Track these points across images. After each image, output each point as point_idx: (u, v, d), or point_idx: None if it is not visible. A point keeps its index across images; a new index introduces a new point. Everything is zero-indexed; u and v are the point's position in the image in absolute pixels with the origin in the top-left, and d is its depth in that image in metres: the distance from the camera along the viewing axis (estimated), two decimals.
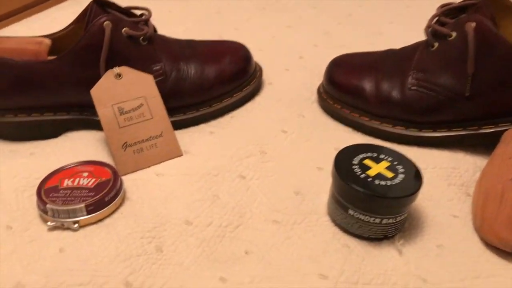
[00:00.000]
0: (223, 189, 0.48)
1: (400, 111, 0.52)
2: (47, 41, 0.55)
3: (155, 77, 0.54)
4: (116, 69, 0.51)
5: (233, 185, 0.48)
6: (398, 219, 0.41)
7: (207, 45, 0.60)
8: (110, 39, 0.50)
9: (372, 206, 0.40)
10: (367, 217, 0.40)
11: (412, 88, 0.51)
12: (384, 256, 0.41)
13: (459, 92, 0.49)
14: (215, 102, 0.58)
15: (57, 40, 0.57)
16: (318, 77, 0.66)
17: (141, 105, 0.52)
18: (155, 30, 0.58)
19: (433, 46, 0.51)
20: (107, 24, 0.50)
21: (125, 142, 0.50)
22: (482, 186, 0.44)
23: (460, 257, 0.40)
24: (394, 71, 0.53)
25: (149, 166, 0.51)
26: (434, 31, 0.51)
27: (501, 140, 0.47)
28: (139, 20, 0.55)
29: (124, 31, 0.52)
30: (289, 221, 0.44)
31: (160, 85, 0.54)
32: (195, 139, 0.54)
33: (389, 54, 0.56)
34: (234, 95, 0.59)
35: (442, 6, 0.53)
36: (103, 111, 0.50)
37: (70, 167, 0.47)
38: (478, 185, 0.45)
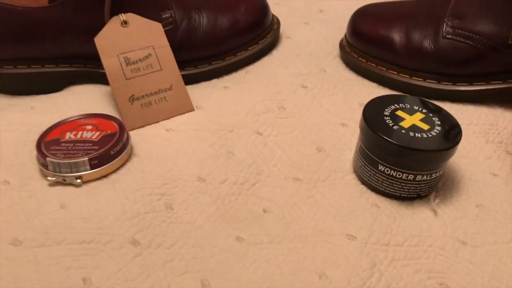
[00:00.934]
0: (238, 145, 0.44)
1: (432, 62, 0.47)
2: None
3: (164, 26, 0.50)
4: (122, 16, 0.47)
5: (249, 141, 0.44)
6: (434, 176, 0.37)
7: None
8: None
9: (406, 161, 0.35)
10: (399, 173, 0.36)
11: (447, 36, 0.46)
12: (417, 217, 0.37)
13: (500, 40, 0.44)
14: (229, 55, 0.53)
15: None
16: (340, 31, 0.61)
17: (149, 55, 0.48)
18: None
19: None
20: None
21: (132, 95, 0.46)
22: None
23: (503, 218, 0.36)
24: (427, 19, 0.48)
25: (158, 121, 0.47)
26: None
27: None
28: None
29: None
30: (312, 178, 0.40)
31: (170, 35, 0.50)
32: (207, 94, 0.50)
33: (422, 1, 0.51)
34: (250, 48, 0.55)
35: None
36: (108, 62, 0.46)
37: (73, 119, 0.43)
38: None
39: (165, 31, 0.50)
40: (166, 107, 0.47)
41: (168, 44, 0.48)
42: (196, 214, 0.37)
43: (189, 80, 0.52)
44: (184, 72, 0.51)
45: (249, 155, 0.43)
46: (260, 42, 0.55)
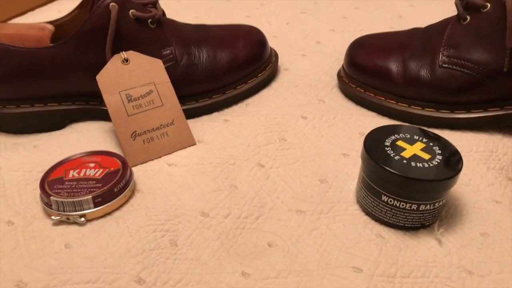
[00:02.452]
0: (241, 178, 0.44)
1: (430, 91, 0.48)
2: (50, 27, 0.52)
3: (165, 62, 0.51)
4: (123, 54, 0.48)
5: (251, 174, 0.44)
6: (437, 205, 0.37)
7: (220, 29, 0.57)
8: (116, 22, 0.47)
9: (408, 191, 0.36)
10: (402, 203, 0.36)
11: (444, 65, 0.47)
12: (423, 246, 0.37)
13: (496, 68, 0.45)
14: (229, 89, 0.54)
15: (61, 26, 0.53)
16: (337, 62, 0.62)
17: (151, 91, 0.48)
18: (163, 14, 0.55)
19: (465, 20, 0.47)
20: (113, 5, 0.47)
21: (134, 131, 0.47)
22: None
23: (508, 245, 0.36)
24: (423, 48, 0.49)
25: (160, 156, 0.47)
26: (466, 3, 0.47)
27: None
28: (147, 2, 0.51)
29: (131, 13, 0.49)
30: (315, 210, 0.40)
31: (171, 70, 0.51)
32: (209, 128, 0.51)
33: (415, 32, 0.52)
34: (249, 81, 0.56)
35: None
36: (110, 99, 0.47)
37: (76, 157, 0.44)
38: None
39: (166, 67, 0.50)
40: (168, 142, 0.48)
41: (169, 80, 0.49)
42: (201, 250, 0.37)
43: (191, 114, 0.53)
44: (185, 107, 0.52)
45: (252, 187, 0.43)
46: (259, 75, 0.56)
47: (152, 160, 0.47)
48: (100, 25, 0.47)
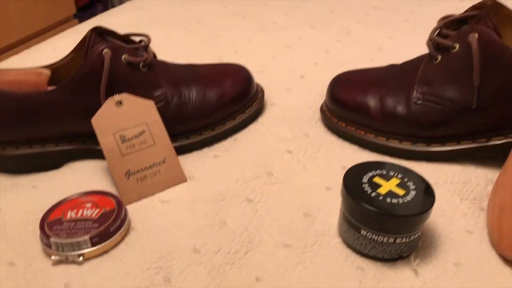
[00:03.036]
0: (231, 214, 0.46)
1: (406, 126, 0.51)
2: (47, 72, 0.55)
3: (156, 103, 0.53)
4: (117, 97, 0.51)
5: (240, 209, 0.47)
6: (412, 237, 0.40)
7: (208, 68, 0.60)
8: (109, 67, 0.50)
9: (385, 225, 0.38)
10: (380, 237, 0.39)
11: (418, 102, 0.50)
12: (400, 277, 0.39)
13: (466, 105, 0.48)
14: (218, 125, 0.57)
15: (56, 70, 0.56)
16: (320, 96, 0.65)
17: (143, 131, 0.51)
18: (154, 56, 0.58)
19: (436, 59, 0.50)
20: (106, 52, 0.50)
21: (128, 170, 0.49)
22: (496, 199, 0.42)
23: (479, 275, 0.39)
24: (398, 85, 0.53)
25: (153, 194, 0.50)
26: (437, 44, 0.51)
27: None
28: (138, 47, 0.54)
29: (124, 58, 0.52)
30: (300, 244, 0.43)
31: (162, 111, 0.54)
32: (199, 164, 0.53)
33: (392, 69, 0.56)
34: (237, 117, 0.58)
35: (443, 18, 0.52)
36: (105, 140, 0.49)
37: (73, 198, 0.46)
38: (492, 199, 0.44)
39: (158, 108, 0.53)
40: (160, 180, 0.50)
41: (160, 119, 0.52)
42: (193, 286, 0.39)
43: (182, 150, 0.55)
44: (176, 144, 0.55)
45: (241, 223, 0.45)
46: (246, 111, 0.59)
47: (145, 197, 0.49)
48: (94, 70, 0.50)
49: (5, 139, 0.52)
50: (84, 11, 2.26)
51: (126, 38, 0.55)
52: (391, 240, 0.39)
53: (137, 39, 0.57)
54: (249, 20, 0.93)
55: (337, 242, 0.43)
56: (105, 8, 2.38)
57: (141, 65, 0.53)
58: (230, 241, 0.43)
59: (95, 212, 0.44)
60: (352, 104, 0.55)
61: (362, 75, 0.57)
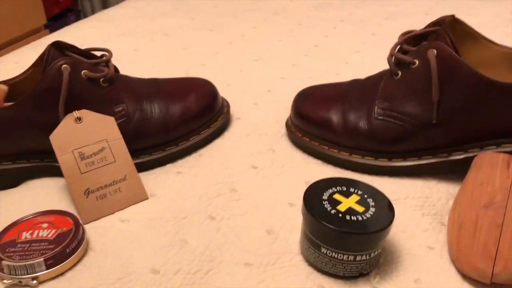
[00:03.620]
0: (192, 232, 0.46)
1: (368, 141, 0.51)
2: (3, 87, 0.53)
3: (117, 119, 0.52)
4: (76, 113, 0.49)
5: (202, 227, 0.46)
6: (373, 254, 0.39)
7: (172, 82, 0.59)
8: (68, 82, 0.49)
9: (345, 243, 0.38)
10: (340, 254, 0.39)
11: (379, 117, 0.51)
12: None
13: (426, 120, 0.49)
14: (182, 141, 0.56)
15: (15, 85, 0.55)
16: (287, 110, 0.65)
17: (103, 148, 0.50)
18: (116, 71, 0.57)
19: (397, 75, 0.51)
20: (65, 67, 0.49)
21: (88, 189, 0.48)
22: (455, 215, 0.43)
23: None
24: (360, 101, 0.53)
25: (113, 212, 0.48)
26: (397, 60, 0.51)
27: (471, 166, 0.47)
28: (99, 62, 0.53)
29: (84, 73, 0.51)
30: (262, 262, 0.42)
31: (123, 126, 0.53)
32: (162, 181, 0.53)
33: (355, 84, 0.56)
34: (202, 132, 0.58)
35: (404, 34, 0.53)
36: (63, 158, 0.48)
37: (29, 218, 0.45)
38: (452, 214, 0.44)
39: (119, 124, 0.52)
40: (120, 197, 0.49)
41: (121, 136, 0.51)
42: None
43: (144, 167, 0.54)
44: (138, 160, 0.54)
45: (202, 241, 0.45)
46: (211, 125, 0.59)
47: (105, 216, 0.48)
48: (53, 86, 0.49)
49: None
50: (55, 21, 2.22)
51: (86, 53, 0.54)
52: (351, 257, 0.39)
53: (98, 54, 0.56)
54: (217, 32, 0.93)
55: (298, 260, 0.42)
56: (77, 18, 2.35)
57: (101, 80, 0.52)
58: (190, 261, 0.42)
59: (52, 233, 0.43)
60: (316, 119, 0.55)
61: (326, 90, 0.57)
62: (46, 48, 0.51)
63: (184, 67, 0.79)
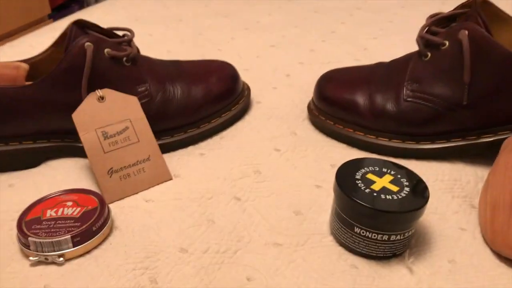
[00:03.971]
0: (218, 212, 0.45)
1: (396, 124, 0.50)
2: (25, 66, 0.52)
3: (140, 99, 0.52)
4: (99, 92, 0.49)
5: (228, 207, 0.45)
6: (407, 235, 0.39)
7: (193, 64, 0.58)
8: (92, 61, 0.48)
9: (379, 222, 0.37)
10: (374, 234, 0.38)
11: (408, 99, 0.50)
12: (394, 275, 0.38)
13: (456, 102, 0.48)
14: (203, 123, 0.56)
15: (35, 64, 0.54)
16: (306, 94, 0.65)
17: (126, 128, 0.49)
18: (138, 51, 0.56)
19: (426, 56, 0.50)
20: (88, 45, 0.48)
21: (111, 168, 0.47)
22: (488, 197, 0.42)
23: (474, 272, 0.38)
24: (388, 83, 0.52)
25: (137, 192, 0.48)
26: (426, 41, 0.50)
27: (502, 148, 0.46)
28: (121, 41, 0.52)
29: (107, 52, 0.50)
30: (292, 243, 0.41)
31: (146, 107, 0.52)
32: (185, 162, 0.52)
33: (380, 66, 0.55)
34: (223, 115, 0.57)
35: (432, 16, 0.52)
36: (86, 137, 0.47)
37: (53, 196, 0.44)
38: (483, 196, 0.43)
39: (142, 104, 0.51)
40: (144, 178, 0.48)
41: (144, 116, 0.50)
42: (181, 286, 0.37)
43: (166, 149, 0.53)
44: (160, 142, 0.53)
45: (229, 221, 0.44)
46: (232, 108, 0.58)
47: (129, 196, 0.47)
48: (76, 64, 0.48)
49: None
50: (59, 11, 2.21)
51: (108, 32, 0.53)
52: (385, 237, 0.38)
53: (120, 33, 0.55)
54: (232, 19, 0.92)
55: (329, 240, 0.42)
56: (81, 8, 2.34)
57: (124, 59, 0.51)
58: (218, 240, 0.42)
59: (77, 211, 0.42)
60: (341, 102, 0.54)
61: (350, 73, 0.56)
62: (68, 26, 0.50)
63: (200, 52, 0.78)
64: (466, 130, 0.49)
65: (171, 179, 0.49)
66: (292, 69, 0.72)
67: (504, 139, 0.48)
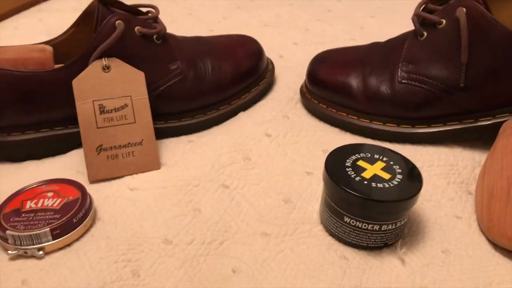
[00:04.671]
0: (205, 201, 0.43)
1: (390, 107, 0.48)
2: (49, 48, 0.49)
3: (173, 77, 0.50)
4: (105, 60, 0.46)
5: (215, 196, 0.44)
6: (399, 224, 0.37)
7: (218, 40, 0.57)
8: (122, 38, 0.45)
9: (370, 212, 0.36)
10: (364, 224, 0.37)
11: (403, 81, 0.48)
12: (386, 267, 0.37)
13: (453, 84, 0.46)
14: (234, 99, 0.55)
15: (56, 46, 0.51)
16: (300, 76, 0.62)
17: (125, 105, 0.47)
18: None
19: (422, 36, 0.48)
20: (119, 23, 0.45)
21: (100, 145, 0.46)
22: (485, 183, 0.40)
23: (468, 262, 0.37)
24: (382, 64, 0.50)
25: (122, 175, 0.46)
26: (422, 20, 0.48)
27: (500, 132, 0.44)
28: (148, 18, 0.50)
29: (137, 29, 0.47)
30: (280, 232, 0.40)
31: (180, 85, 0.50)
32: (172, 149, 0.50)
33: (375, 47, 0.53)
34: (252, 90, 0.56)
35: None
36: (82, 107, 0.45)
37: (33, 187, 0.42)
38: (480, 183, 0.41)
39: (174, 82, 0.50)
40: (132, 162, 0.47)
41: (147, 96, 0.47)
42: (164, 279, 0.36)
43: (201, 127, 0.53)
44: (195, 120, 0.52)
45: (216, 211, 0.42)
46: (260, 83, 0.58)
47: (113, 177, 0.46)
48: None
49: (11, 123, 0.47)
50: None
51: (133, 9, 0.50)
52: (376, 227, 0.37)
53: (144, 10, 0.52)
54: None
55: (319, 230, 0.40)
56: None
57: (155, 37, 0.49)
58: (204, 231, 0.40)
59: (57, 202, 0.40)
60: (334, 84, 0.52)
61: (344, 54, 0.54)
62: (94, 5, 0.47)
63: (192, 33, 0.76)
64: (464, 113, 0.47)
65: (159, 168, 0.48)
66: (286, 50, 0.69)
67: (503, 122, 0.46)
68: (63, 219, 0.39)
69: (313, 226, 0.40)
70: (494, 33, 0.43)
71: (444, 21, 0.46)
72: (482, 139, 0.49)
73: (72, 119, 0.48)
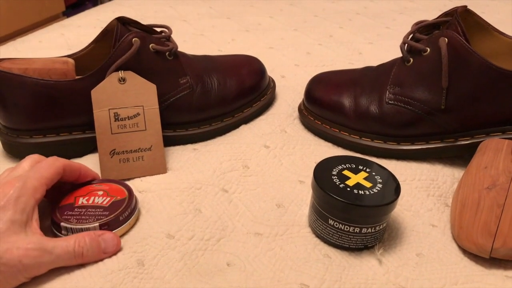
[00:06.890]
0: (206, 202, 0.48)
1: (378, 125, 0.53)
2: (71, 61, 0.54)
3: (182, 90, 0.55)
4: (121, 73, 0.51)
5: (215, 198, 0.48)
6: (378, 228, 0.41)
7: (224, 59, 0.62)
8: (138, 54, 0.51)
9: (351, 215, 0.40)
10: (346, 226, 0.41)
11: (390, 102, 0.53)
12: (364, 266, 0.41)
13: (435, 106, 0.50)
14: (237, 113, 0.60)
15: (78, 59, 0.56)
16: (300, 95, 0.67)
17: (138, 114, 0.52)
18: None
19: (408, 62, 0.53)
20: (135, 40, 0.51)
21: (114, 149, 0.51)
22: (459, 195, 0.45)
23: (438, 264, 0.41)
24: (372, 86, 0.55)
25: (131, 178, 0.51)
26: (409, 47, 0.53)
27: (477, 151, 0.49)
28: (162, 37, 0.55)
29: (152, 46, 0.53)
30: (271, 233, 0.44)
31: (188, 98, 0.56)
32: (178, 156, 0.55)
33: (367, 70, 0.58)
34: (254, 105, 0.62)
35: (417, 23, 0.55)
36: (99, 114, 0.50)
37: (85, 185, 0.47)
38: (455, 195, 0.46)
39: (184, 95, 0.55)
40: (141, 166, 0.51)
41: (157, 106, 0.52)
42: (166, 269, 0.40)
43: (207, 136, 0.58)
44: (201, 130, 0.58)
45: (215, 211, 0.47)
46: (262, 99, 0.63)
47: (123, 179, 0.50)
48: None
49: (34, 127, 0.52)
50: (73, 9, 2.25)
51: (148, 29, 0.56)
52: (357, 230, 0.41)
53: (158, 30, 0.58)
54: (234, 20, 0.95)
55: (306, 231, 0.44)
56: (95, 5, 2.38)
57: (167, 53, 0.54)
58: (204, 228, 0.45)
59: (106, 200, 0.44)
60: (328, 103, 0.57)
61: (339, 76, 0.59)
62: (114, 23, 0.53)
63: (201, 52, 0.81)
64: (445, 133, 0.51)
65: (165, 172, 0.52)
66: (288, 71, 0.75)
67: (480, 142, 0.50)
68: (111, 216, 0.43)
69: (301, 228, 0.45)
70: (472, 61, 0.48)
71: (428, 49, 0.51)
72: (462, 157, 0.53)
73: (89, 125, 0.53)
